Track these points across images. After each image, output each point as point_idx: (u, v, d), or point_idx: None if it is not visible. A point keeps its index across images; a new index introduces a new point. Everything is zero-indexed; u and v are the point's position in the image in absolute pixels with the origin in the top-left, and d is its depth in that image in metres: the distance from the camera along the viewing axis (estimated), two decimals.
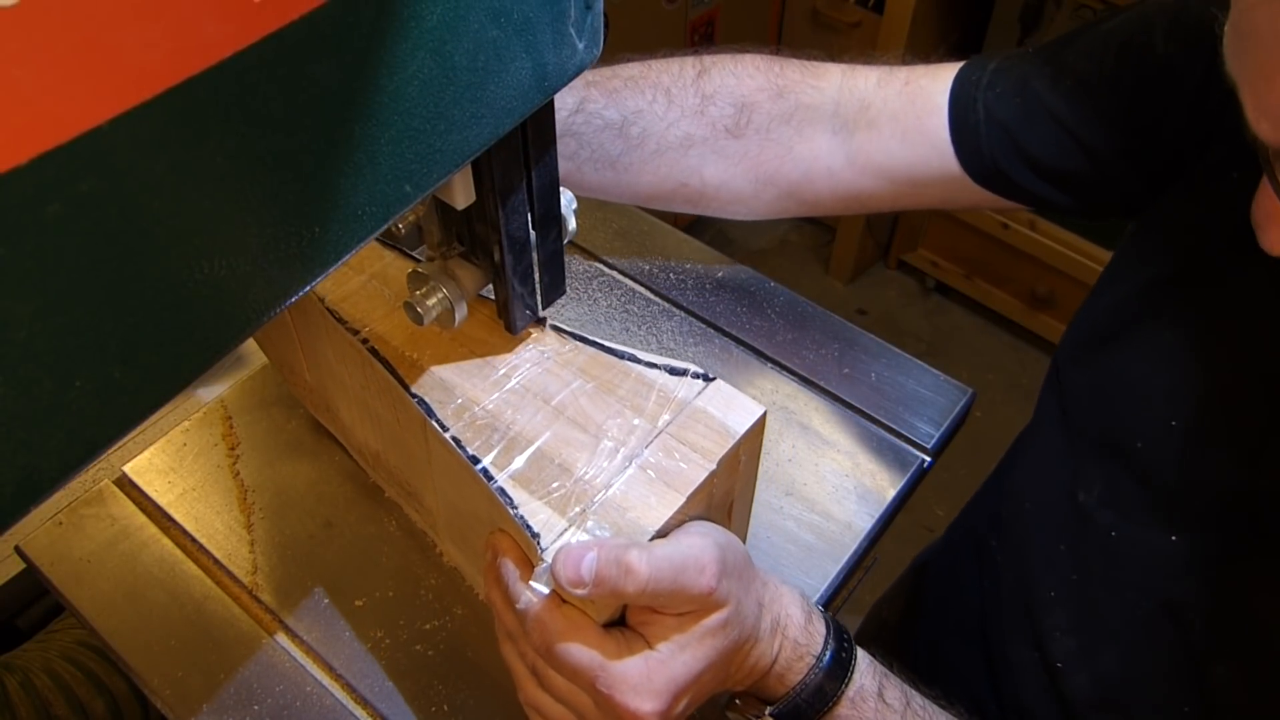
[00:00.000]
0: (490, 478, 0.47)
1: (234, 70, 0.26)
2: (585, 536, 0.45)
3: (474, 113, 0.35)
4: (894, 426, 0.72)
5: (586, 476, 0.47)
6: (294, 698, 0.58)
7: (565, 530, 0.45)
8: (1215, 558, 0.52)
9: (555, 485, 0.47)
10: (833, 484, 0.68)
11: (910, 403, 0.73)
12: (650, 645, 0.44)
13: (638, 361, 0.52)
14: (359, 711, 0.58)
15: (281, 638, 0.61)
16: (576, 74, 0.40)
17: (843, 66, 0.69)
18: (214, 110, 0.26)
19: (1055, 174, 0.62)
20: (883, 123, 0.66)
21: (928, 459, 0.71)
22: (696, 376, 0.51)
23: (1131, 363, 0.57)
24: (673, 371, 0.51)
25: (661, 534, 0.46)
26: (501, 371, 0.52)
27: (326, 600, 0.62)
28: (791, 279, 2.00)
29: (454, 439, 0.49)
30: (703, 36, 1.84)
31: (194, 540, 0.65)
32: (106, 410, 0.28)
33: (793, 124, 0.68)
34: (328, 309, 0.54)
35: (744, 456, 0.51)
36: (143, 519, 0.66)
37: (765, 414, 0.50)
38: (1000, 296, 2.01)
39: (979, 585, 0.69)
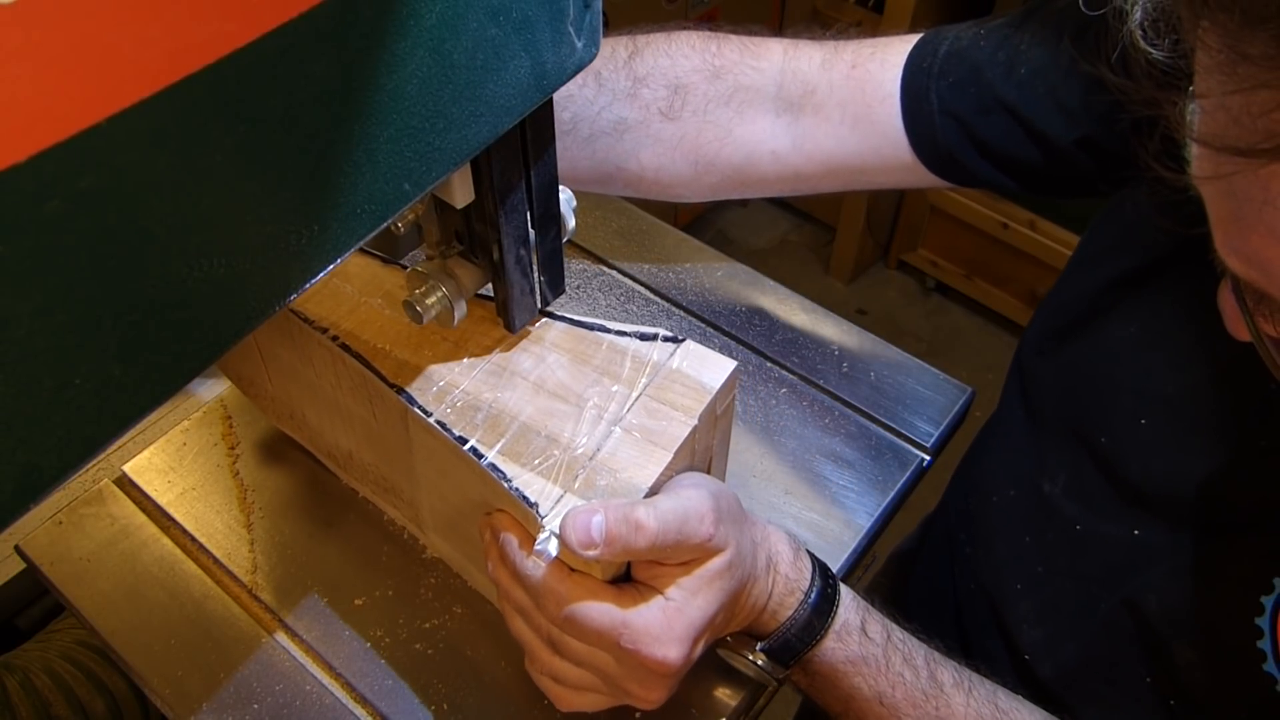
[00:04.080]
0: (480, 455, 0.48)
1: (233, 68, 0.26)
2: (582, 501, 0.46)
3: (473, 111, 0.35)
4: (894, 425, 0.72)
5: (574, 444, 0.49)
6: (294, 696, 0.58)
7: (561, 497, 0.47)
8: (1177, 551, 0.53)
9: (545, 456, 0.48)
10: (832, 483, 0.69)
11: (910, 402, 0.73)
12: (663, 595, 0.46)
13: (607, 331, 0.53)
14: (359, 710, 0.58)
15: (281, 637, 0.61)
16: (576, 73, 0.40)
17: (785, 43, 0.67)
18: (213, 108, 0.26)
19: (1011, 162, 0.61)
20: (830, 109, 0.64)
21: (927, 458, 0.71)
22: (666, 339, 0.52)
23: (1096, 356, 0.57)
24: (642, 337, 0.53)
25: (653, 491, 0.47)
26: (475, 354, 0.52)
27: (326, 599, 0.62)
28: (791, 279, 2.00)
29: (439, 423, 0.49)
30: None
31: (194, 540, 0.65)
32: (106, 408, 0.28)
33: (732, 105, 0.66)
34: (292, 311, 0.54)
35: (720, 410, 0.52)
36: (142, 518, 0.66)
37: (737, 368, 0.51)
38: (1000, 296, 2.01)
39: (952, 579, 0.69)
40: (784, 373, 0.75)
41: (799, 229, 2.29)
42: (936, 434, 0.71)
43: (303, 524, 0.66)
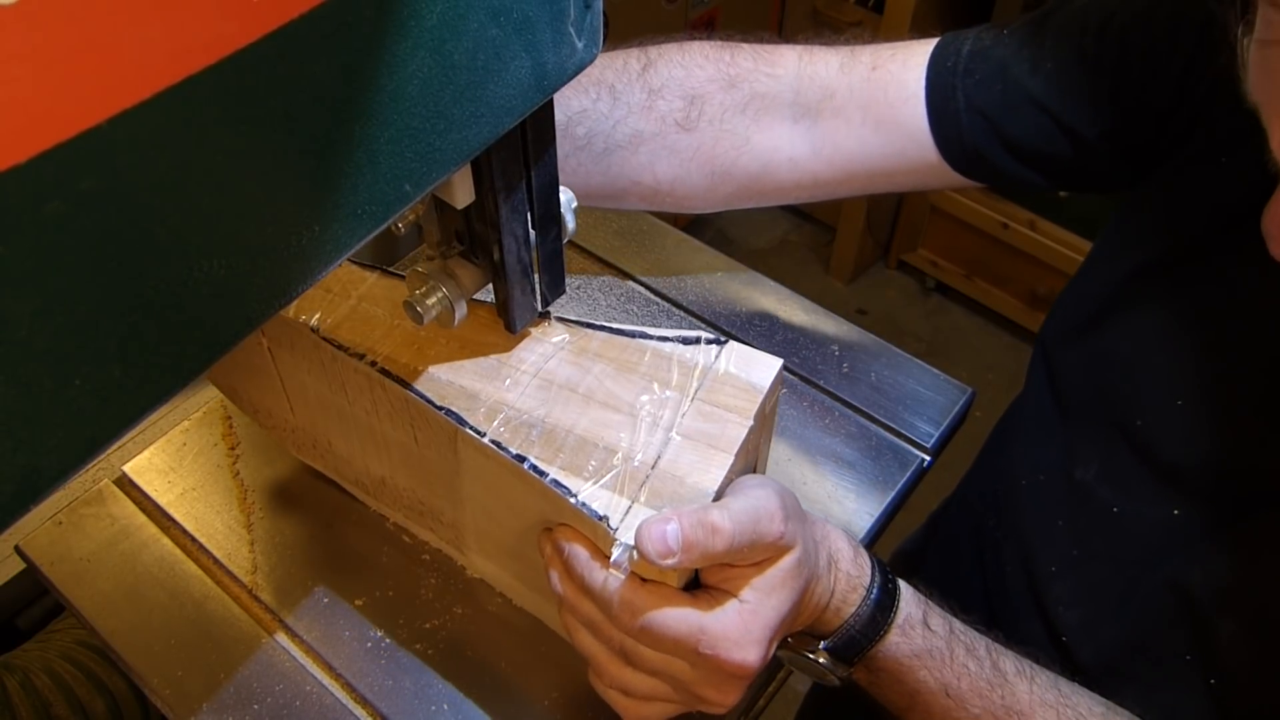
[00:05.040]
0: (542, 473, 0.47)
1: (234, 69, 0.26)
2: (650, 511, 0.46)
3: (473, 112, 0.35)
4: (894, 426, 0.72)
5: (633, 454, 0.48)
6: (294, 697, 0.58)
7: (629, 508, 0.46)
8: (1218, 527, 0.53)
9: (606, 468, 0.48)
10: (832, 483, 0.68)
11: (910, 402, 0.73)
12: (737, 598, 0.46)
13: (649, 338, 0.53)
14: (359, 710, 0.58)
15: (281, 637, 0.61)
16: (576, 73, 0.40)
17: (799, 49, 0.67)
18: (213, 109, 0.26)
19: (1037, 158, 0.61)
20: (851, 111, 0.64)
21: (927, 458, 0.71)
22: (710, 342, 0.52)
23: (1125, 344, 0.58)
24: (685, 341, 0.52)
25: (719, 494, 0.47)
26: (518, 370, 0.52)
27: (326, 600, 0.62)
28: (791, 279, 2.00)
29: (494, 442, 0.49)
30: (703, 36, 1.84)
31: (194, 540, 0.65)
32: (106, 409, 0.28)
33: (748, 114, 0.66)
34: (325, 339, 0.53)
35: (769, 409, 0.52)
36: (143, 519, 0.66)
37: (783, 365, 0.51)
38: (1000, 296, 2.01)
39: (981, 565, 0.69)
40: (784, 373, 0.75)
41: (799, 229, 2.29)
42: (937, 434, 0.71)
43: (303, 524, 0.66)
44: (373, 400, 0.54)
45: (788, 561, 0.46)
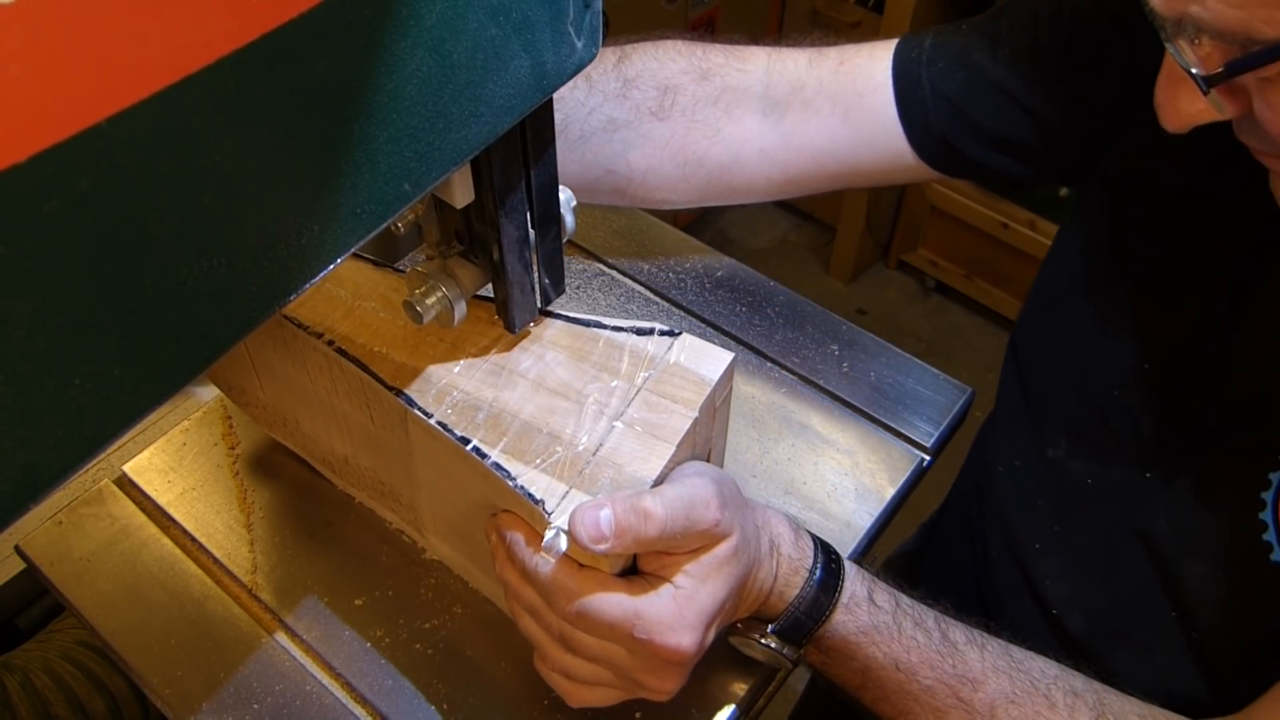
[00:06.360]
0: (483, 455, 0.48)
1: (232, 68, 0.26)
2: (588, 496, 0.46)
3: (473, 111, 0.36)
4: (893, 425, 0.72)
5: (577, 440, 0.49)
6: (294, 696, 0.58)
7: (567, 493, 0.47)
8: (1184, 480, 0.55)
9: (548, 453, 0.48)
10: (832, 483, 0.68)
11: (910, 402, 0.73)
12: (672, 584, 0.46)
13: (604, 327, 0.53)
14: (358, 710, 0.58)
15: (281, 637, 0.61)
16: (575, 73, 0.40)
17: (768, 49, 0.69)
18: (212, 108, 0.26)
19: (1002, 142, 0.63)
20: (820, 102, 0.66)
21: (927, 458, 0.71)
22: (663, 334, 0.53)
23: (1088, 320, 0.60)
24: (639, 332, 0.53)
25: (658, 483, 0.47)
26: (472, 354, 0.52)
27: (326, 599, 0.62)
28: (791, 279, 2.00)
29: (440, 424, 0.49)
30: (702, 36, 1.84)
31: (194, 540, 0.65)
32: (106, 408, 0.28)
33: (720, 105, 0.67)
34: (285, 317, 0.53)
35: (719, 402, 0.53)
36: (143, 518, 0.66)
37: (735, 359, 0.52)
38: (1000, 296, 2.01)
39: (970, 554, 0.70)
40: (784, 373, 0.75)
41: (799, 229, 2.29)
42: (936, 434, 0.71)
43: (303, 524, 0.66)
44: (331, 379, 0.55)
45: (724, 548, 0.47)
